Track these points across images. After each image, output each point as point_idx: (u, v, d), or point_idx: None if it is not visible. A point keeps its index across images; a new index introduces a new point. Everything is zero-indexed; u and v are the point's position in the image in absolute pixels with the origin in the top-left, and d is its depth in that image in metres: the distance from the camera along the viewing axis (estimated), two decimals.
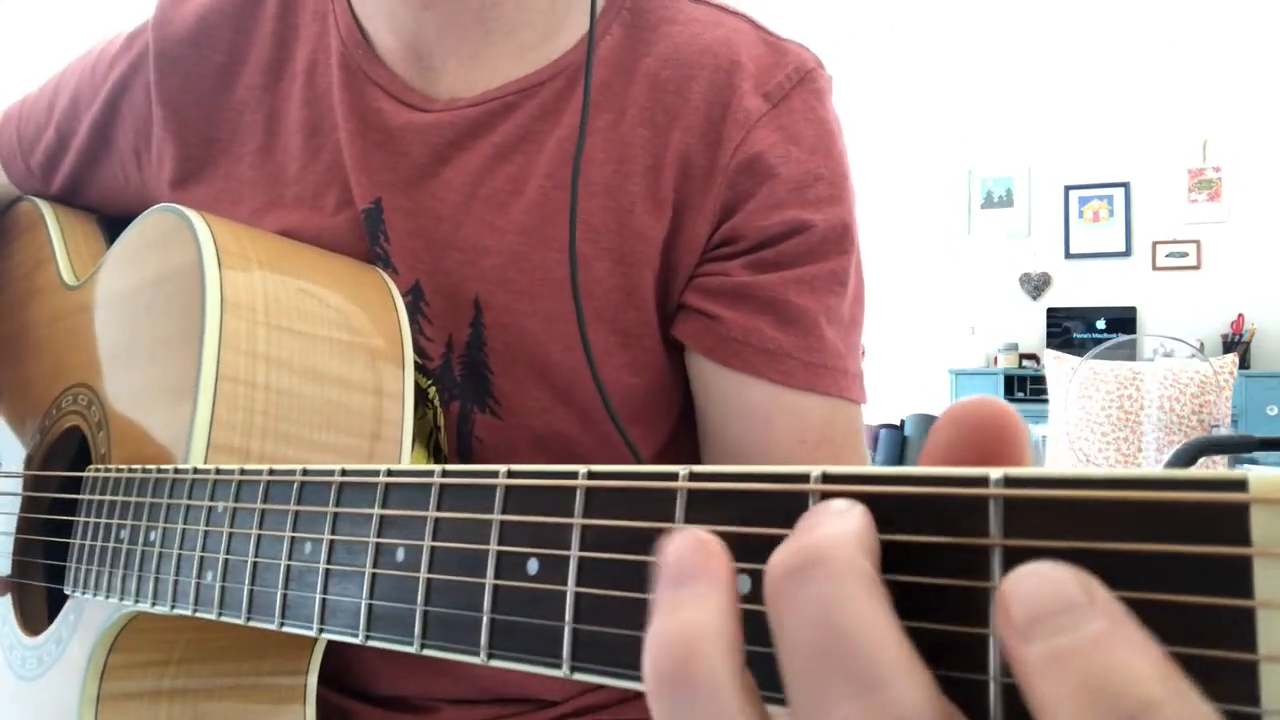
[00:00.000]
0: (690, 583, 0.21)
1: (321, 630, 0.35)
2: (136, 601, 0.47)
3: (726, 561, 0.22)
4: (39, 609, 0.65)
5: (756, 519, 0.23)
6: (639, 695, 0.71)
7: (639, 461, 0.60)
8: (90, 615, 0.54)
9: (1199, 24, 4.91)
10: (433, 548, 0.31)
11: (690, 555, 0.22)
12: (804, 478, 0.22)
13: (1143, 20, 4.98)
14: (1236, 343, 4.86)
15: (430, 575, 0.31)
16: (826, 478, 0.21)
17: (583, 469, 0.27)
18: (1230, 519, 0.17)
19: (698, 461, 0.67)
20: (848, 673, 0.19)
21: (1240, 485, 0.17)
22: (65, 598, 0.57)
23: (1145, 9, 4.96)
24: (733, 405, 0.61)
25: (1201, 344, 4.68)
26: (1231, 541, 0.17)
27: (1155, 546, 0.17)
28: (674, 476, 0.24)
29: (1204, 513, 0.17)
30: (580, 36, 0.62)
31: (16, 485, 0.68)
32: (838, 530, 0.20)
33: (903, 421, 5.57)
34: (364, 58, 0.64)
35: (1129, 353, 4.68)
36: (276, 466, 0.40)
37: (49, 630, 0.59)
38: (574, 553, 0.26)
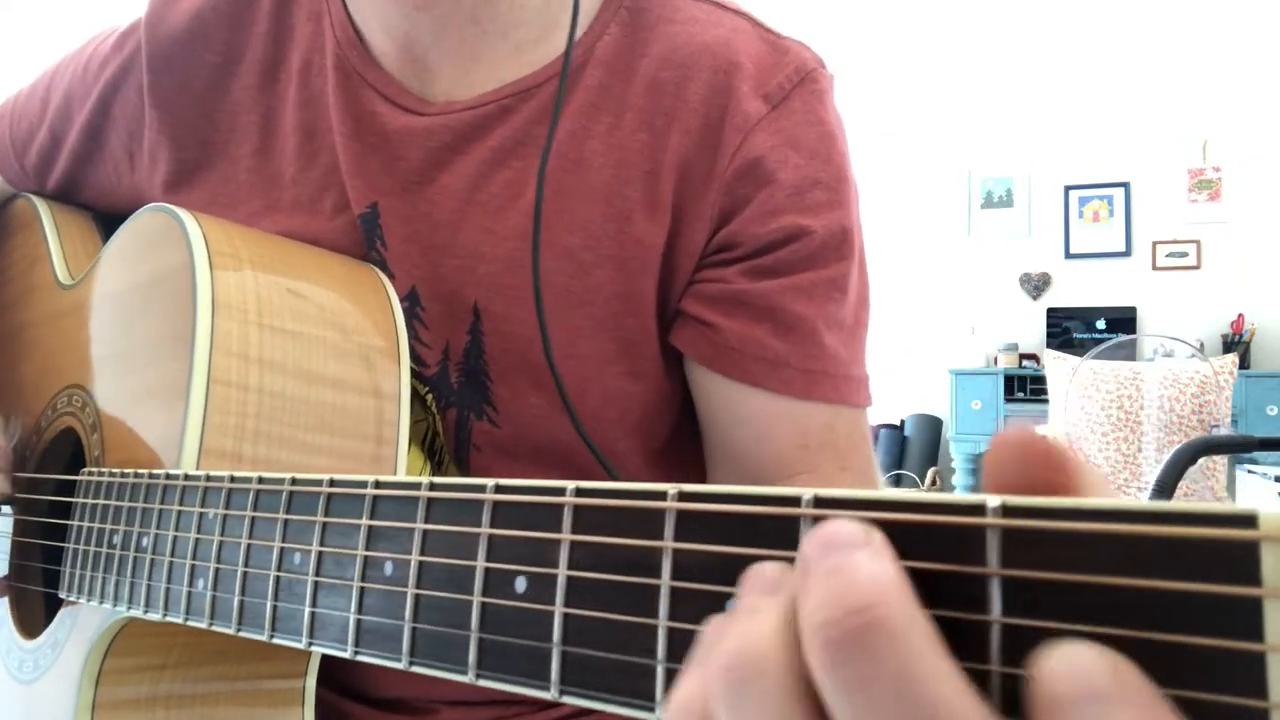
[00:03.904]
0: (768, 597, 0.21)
1: (311, 644, 0.35)
2: (129, 608, 0.47)
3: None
4: (36, 612, 0.64)
5: (747, 540, 0.22)
6: None
7: (612, 473, 0.60)
8: (85, 619, 0.53)
9: (1199, 24, 4.90)
10: (420, 562, 0.30)
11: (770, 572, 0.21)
12: (795, 501, 0.21)
13: (1142, 21, 4.97)
14: (1236, 343, 4.85)
15: (418, 591, 0.30)
16: (819, 501, 0.21)
17: (571, 485, 0.26)
18: (1240, 557, 0.16)
19: (692, 465, 0.66)
20: None
21: (1250, 521, 0.16)
22: (62, 600, 0.57)
23: (1145, 10, 4.95)
24: (734, 414, 0.60)
25: (1201, 344, 4.68)
26: (1241, 581, 0.16)
27: (1162, 584, 0.17)
28: (663, 496, 0.24)
29: (1213, 550, 0.16)
30: (578, 36, 0.61)
31: (14, 487, 0.67)
32: (881, 577, 0.19)
33: (903, 421, 5.57)
34: (359, 59, 0.63)
35: (1129, 353, 4.67)
36: (266, 475, 0.40)
37: (45, 634, 0.58)
38: (562, 571, 0.25)
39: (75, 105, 0.73)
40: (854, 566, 0.19)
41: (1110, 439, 3.14)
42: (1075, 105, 5.28)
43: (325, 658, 0.57)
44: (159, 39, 0.68)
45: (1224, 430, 3.04)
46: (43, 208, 0.76)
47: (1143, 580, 0.17)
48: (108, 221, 0.77)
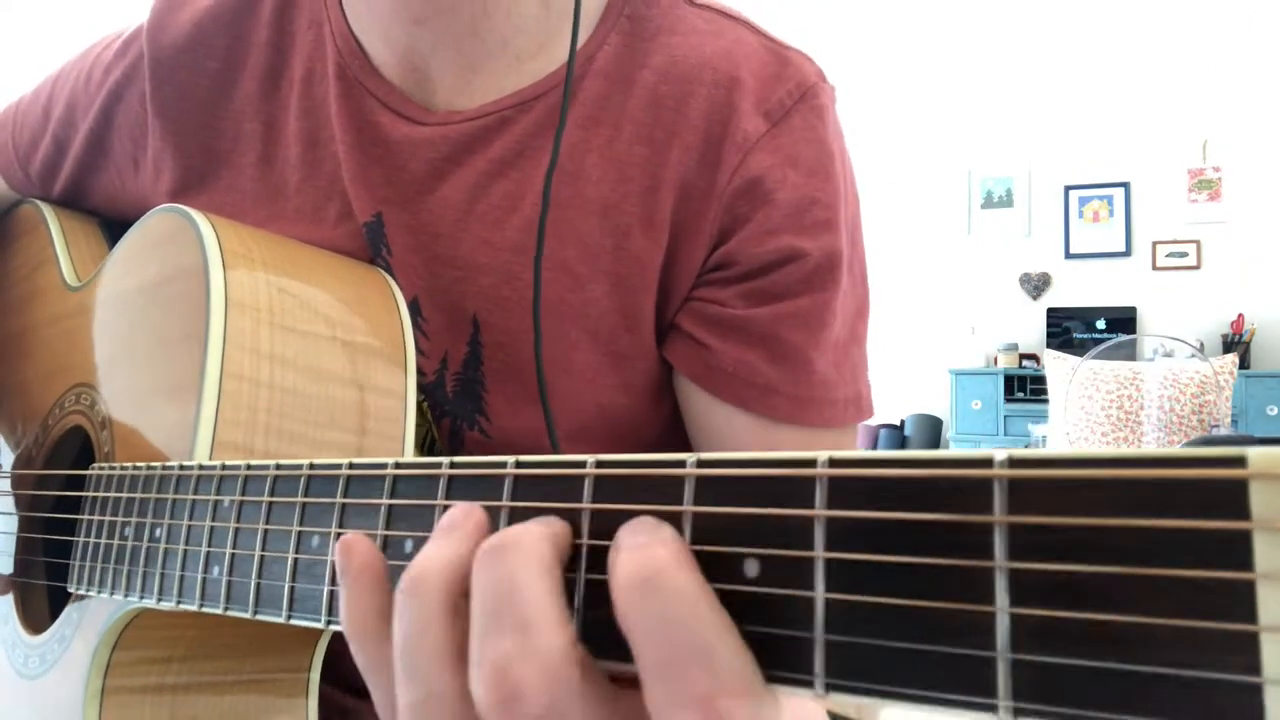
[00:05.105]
0: (449, 531, 0.29)
1: (330, 621, 0.35)
2: (142, 598, 0.47)
3: (483, 521, 0.29)
4: (41, 608, 0.65)
5: (764, 503, 0.23)
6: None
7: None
8: (93, 613, 0.54)
9: (1199, 24, 4.92)
10: None
11: (457, 513, 0.29)
12: (811, 463, 0.22)
13: (1143, 20, 4.98)
14: (1236, 343, 4.86)
15: None
16: (833, 462, 0.22)
17: (591, 458, 0.27)
18: (1230, 494, 0.17)
19: None
20: (513, 617, 0.25)
21: (1239, 462, 0.17)
22: (67, 597, 0.57)
23: (1145, 9, 4.96)
24: (717, 432, 0.61)
25: (1201, 344, 4.68)
26: (1232, 516, 0.17)
27: (1158, 523, 0.18)
28: (682, 464, 0.25)
29: (1205, 489, 0.18)
30: (579, 45, 0.61)
31: (20, 485, 0.68)
32: (532, 528, 0.27)
33: (903, 421, 5.58)
34: (360, 69, 0.63)
35: (1129, 353, 4.68)
36: (284, 461, 0.40)
37: (51, 629, 0.59)
38: (585, 540, 0.26)
39: (78, 113, 0.73)
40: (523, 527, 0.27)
41: (1110, 439, 3.14)
42: (1075, 105, 5.30)
43: (330, 652, 0.57)
44: (161, 47, 0.68)
45: (1224, 430, 3.05)
46: (49, 213, 0.76)
47: (1141, 520, 0.18)
48: (113, 228, 0.78)
